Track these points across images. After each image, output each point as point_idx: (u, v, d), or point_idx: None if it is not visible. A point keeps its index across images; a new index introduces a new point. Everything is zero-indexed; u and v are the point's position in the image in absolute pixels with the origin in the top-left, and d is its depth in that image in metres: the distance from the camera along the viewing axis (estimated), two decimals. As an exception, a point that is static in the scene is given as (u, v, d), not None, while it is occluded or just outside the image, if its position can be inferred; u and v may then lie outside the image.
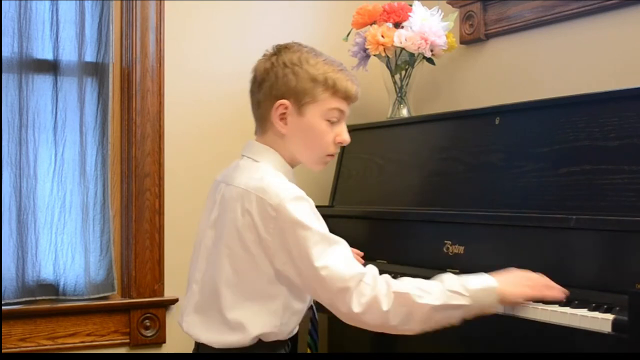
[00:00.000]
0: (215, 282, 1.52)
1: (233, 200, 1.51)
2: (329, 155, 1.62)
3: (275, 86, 1.55)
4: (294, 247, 1.44)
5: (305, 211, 1.46)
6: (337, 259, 1.44)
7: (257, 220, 1.46)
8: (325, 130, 1.58)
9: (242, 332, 1.49)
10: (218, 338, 1.52)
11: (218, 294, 1.51)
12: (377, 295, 1.41)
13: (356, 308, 1.41)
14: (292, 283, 1.51)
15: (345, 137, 1.61)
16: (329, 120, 1.58)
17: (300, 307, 1.58)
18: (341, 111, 1.59)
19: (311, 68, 1.56)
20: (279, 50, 1.59)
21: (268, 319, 1.50)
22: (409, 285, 1.44)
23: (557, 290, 1.51)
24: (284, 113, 1.56)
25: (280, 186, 1.49)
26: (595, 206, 1.65)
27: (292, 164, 1.63)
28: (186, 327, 1.59)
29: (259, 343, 1.52)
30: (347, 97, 1.59)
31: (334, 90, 1.57)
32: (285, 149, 1.60)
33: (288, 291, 1.52)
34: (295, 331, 1.61)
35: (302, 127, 1.57)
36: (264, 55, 1.62)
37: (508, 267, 1.70)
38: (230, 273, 1.50)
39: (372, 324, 1.43)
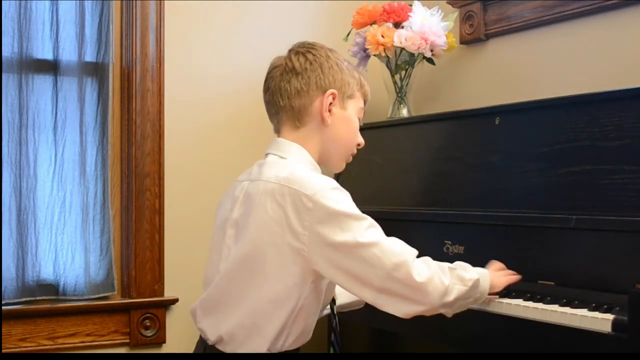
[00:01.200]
0: (238, 286, 1.47)
1: (261, 195, 1.46)
2: (352, 154, 1.66)
3: (322, 76, 1.56)
4: (337, 236, 1.39)
5: (345, 200, 1.44)
6: (386, 238, 1.43)
7: (291, 214, 1.41)
8: (357, 127, 1.63)
9: (260, 336, 1.45)
10: (236, 344, 1.47)
11: (238, 296, 1.47)
12: (435, 271, 1.42)
13: (419, 277, 1.39)
14: (318, 285, 1.47)
15: (362, 140, 1.67)
16: (358, 119, 1.64)
17: (316, 312, 1.54)
18: (364, 112, 1.66)
19: (348, 65, 1.62)
20: (312, 45, 1.61)
21: (285, 320, 1.45)
22: (448, 263, 1.48)
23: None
24: (331, 103, 1.57)
25: (313, 177, 1.46)
26: (595, 206, 1.65)
27: (319, 162, 1.60)
28: (200, 324, 1.55)
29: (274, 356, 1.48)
30: (367, 98, 1.67)
31: (363, 90, 1.65)
32: (319, 143, 1.58)
33: (313, 290, 1.47)
34: (307, 339, 1.55)
35: (343, 120, 1.59)
36: (293, 50, 1.61)
37: (507, 268, 1.70)
38: (257, 274, 1.45)
39: (432, 297, 1.40)
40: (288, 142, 1.57)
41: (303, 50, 1.59)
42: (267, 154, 1.59)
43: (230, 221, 1.53)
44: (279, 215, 1.42)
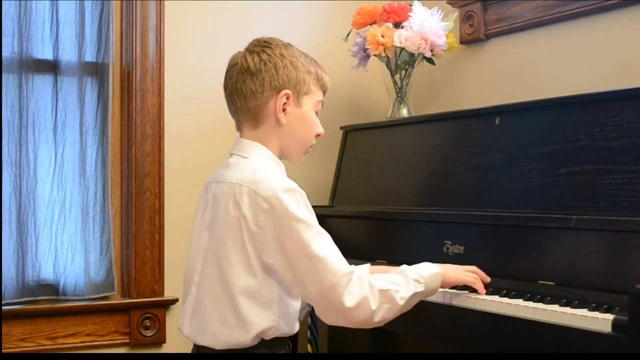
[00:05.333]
0: (212, 281, 1.54)
1: (224, 196, 1.54)
2: (311, 146, 1.69)
3: (276, 77, 1.58)
4: (287, 240, 1.47)
5: (298, 203, 1.50)
6: (332, 253, 1.49)
7: (247, 213, 1.48)
8: (315, 121, 1.66)
9: (243, 329, 1.50)
10: (219, 339, 1.52)
11: (216, 292, 1.52)
12: (366, 295, 1.47)
13: (348, 303, 1.46)
14: (279, 277, 1.53)
15: (322, 130, 1.68)
16: (315, 112, 1.66)
17: (296, 301, 1.59)
18: (322, 103, 1.68)
19: (304, 61, 1.62)
20: (267, 42, 1.62)
21: (265, 313, 1.51)
22: (385, 281, 1.52)
23: (483, 279, 1.71)
24: (285, 103, 1.59)
25: (272, 178, 1.52)
26: (595, 206, 1.65)
27: (280, 158, 1.65)
28: (187, 332, 1.59)
29: (260, 342, 1.52)
30: (325, 90, 1.68)
31: (321, 83, 1.66)
32: (278, 141, 1.62)
33: (278, 284, 1.53)
34: (295, 329, 1.61)
35: (299, 117, 1.62)
36: (248, 49, 1.63)
37: (507, 267, 1.71)
38: (225, 269, 1.51)
39: (358, 320, 1.48)
40: (249, 142, 1.62)
41: (258, 49, 1.61)
42: (230, 155, 1.64)
43: (204, 224, 1.60)
44: (237, 213, 1.50)
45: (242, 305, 1.49)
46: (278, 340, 1.55)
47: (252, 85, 1.59)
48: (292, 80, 1.59)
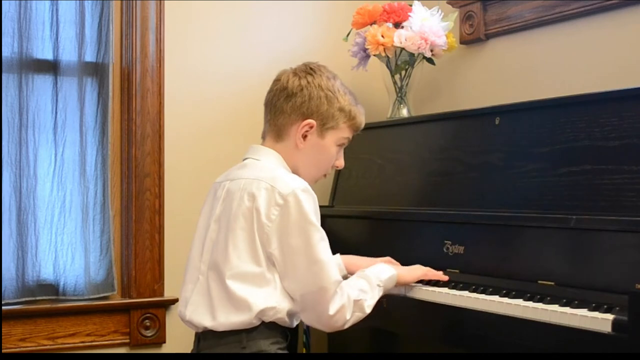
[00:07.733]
0: (219, 267, 1.59)
1: (239, 189, 1.62)
2: (324, 175, 1.78)
3: (307, 104, 1.68)
4: (293, 237, 1.55)
5: (312, 205, 1.59)
6: (330, 259, 1.60)
7: (261, 205, 1.56)
8: (334, 155, 1.76)
9: (245, 309, 1.55)
10: (222, 319, 1.57)
11: (222, 278, 1.58)
12: (344, 305, 1.59)
13: (332, 310, 1.57)
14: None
15: (342, 163, 1.79)
16: (338, 146, 1.74)
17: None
18: (349, 140, 1.78)
19: (341, 98, 1.71)
20: (313, 70, 1.71)
21: (268, 294, 1.56)
22: (356, 289, 1.63)
23: (439, 275, 1.82)
24: (308, 131, 1.69)
25: (289, 178, 1.62)
26: (595, 206, 1.65)
27: (291, 170, 1.72)
28: (189, 315, 1.64)
29: (261, 324, 1.57)
30: (357, 130, 1.78)
31: (353, 122, 1.75)
32: (292, 160, 1.71)
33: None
34: (295, 323, 1.66)
35: (318, 148, 1.71)
36: (295, 70, 1.71)
37: (507, 267, 1.71)
38: (232, 256, 1.57)
39: (332, 326, 1.60)
40: (266, 149, 1.72)
41: (302, 74, 1.71)
42: (245, 159, 1.73)
43: (214, 217, 1.67)
44: (250, 205, 1.58)
45: (245, 287, 1.56)
46: (278, 327, 1.60)
47: (284, 104, 1.69)
48: (321, 113, 1.69)
